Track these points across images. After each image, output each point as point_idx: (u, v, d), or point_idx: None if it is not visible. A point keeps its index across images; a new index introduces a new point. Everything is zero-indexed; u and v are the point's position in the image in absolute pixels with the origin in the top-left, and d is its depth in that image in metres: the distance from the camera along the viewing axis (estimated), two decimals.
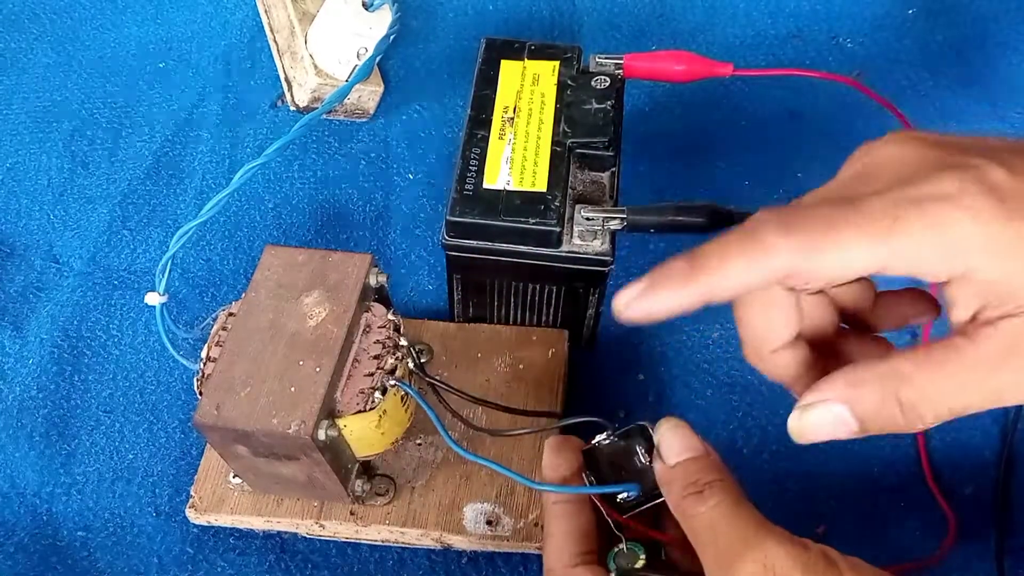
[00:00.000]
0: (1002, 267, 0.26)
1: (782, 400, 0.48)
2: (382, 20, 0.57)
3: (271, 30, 0.64)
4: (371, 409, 0.37)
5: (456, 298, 0.48)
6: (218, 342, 0.38)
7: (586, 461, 0.35)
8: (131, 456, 0.48)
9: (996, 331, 0.26)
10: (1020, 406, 0.46)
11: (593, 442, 0.36)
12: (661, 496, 0.34)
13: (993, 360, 0.26)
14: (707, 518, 0.30)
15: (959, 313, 0.27)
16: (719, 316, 0.51)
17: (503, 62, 0.48)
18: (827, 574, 0.28)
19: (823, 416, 0.29)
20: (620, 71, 0.47)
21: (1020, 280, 0.26)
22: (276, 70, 0.63)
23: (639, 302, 0.29)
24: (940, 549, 0.41)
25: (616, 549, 0.34)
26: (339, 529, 0.43)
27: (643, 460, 0.34)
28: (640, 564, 0.34)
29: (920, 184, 0.26)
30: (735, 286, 0.28)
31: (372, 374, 0.37)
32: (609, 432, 0.36)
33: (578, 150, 0.44)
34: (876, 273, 0.27)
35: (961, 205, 0.26)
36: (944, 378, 0.27)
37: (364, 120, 0.62)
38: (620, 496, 0.34)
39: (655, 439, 0.34)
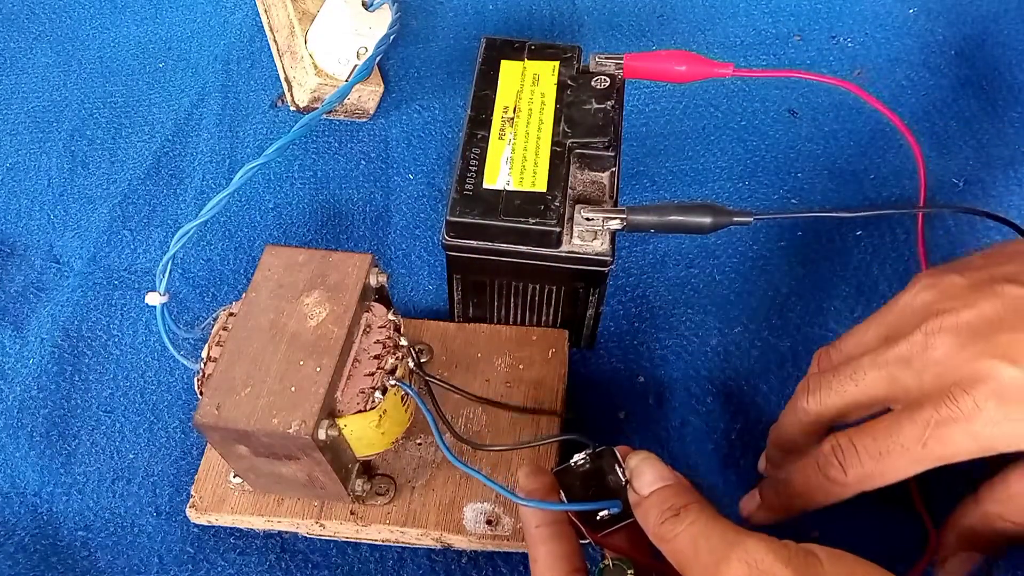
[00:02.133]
0: None
1: (779, 412, 0.48)
2: (382, 20, 0.57)
3: (271, 30, 0.64)
4: (371, 409, 0.37)
5: (456, 298, 0.48)
6: (219, 342, 0.38)
7: (560, 481, 0.35)
8: (131, 456, 0.48)
9: None
10: None
11: (570, 462, 0.36)
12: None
13: None
14: (687, 535, 0.31)
15: None
16: (718, 322, 0.51)
17: (503, 62, 0.48)
18: (808, 564, 0.29)
19: (957, 566, 0.39)
20: (620, 71, 0.47)
21: None
22: (276, 70, 0.63)
23: None
24: (921, 562, 0.41)
25: (602, 564, 0.34)
26: (339, 529, 0.43)
27: (620, 478, 0.35)
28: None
29: (945, 404, 0.33)
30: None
31: (372, 374, 0.37)
32: (587, 452, 0.36)
33: (578, 150, 0.44)
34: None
35: (983, 421, 0.32)
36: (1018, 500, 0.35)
37: (364, 120, 0.62)
38: (601, 513, 0.34)
39: (627, 472, 0.34)
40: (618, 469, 0.35)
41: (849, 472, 0.35)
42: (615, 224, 0.42)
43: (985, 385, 0.32)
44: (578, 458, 0.36)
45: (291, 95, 0.61)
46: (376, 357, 0.38)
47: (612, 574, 0.33)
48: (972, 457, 0.34)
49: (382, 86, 0.62)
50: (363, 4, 0.57)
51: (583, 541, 0.35)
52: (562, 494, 0.35)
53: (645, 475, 0.34)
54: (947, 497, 0.45)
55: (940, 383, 0.34)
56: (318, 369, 0.36)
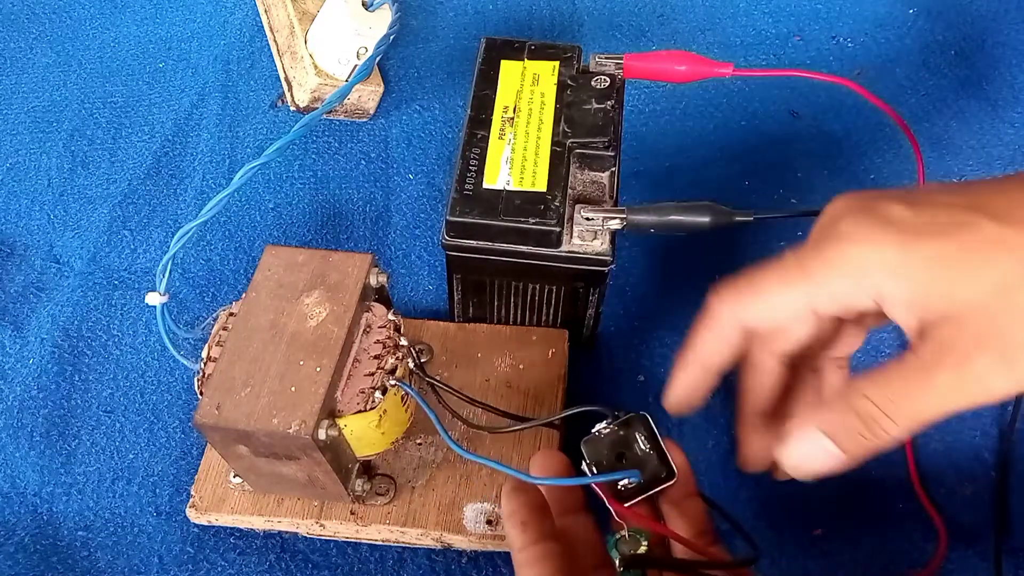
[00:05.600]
0: (908, 285, 0.30)
1: None
2: (382, 20, 0.57)
3: (271, 30, 0.64)
4: (371, 409, 0.37)
5: (456, 298, 0.48)
6: (219, 342, 0.38)
7: (587, 451, 0.35)
8: (131, 456, 0.48)
9: (929, 338, 0.29)
10: (1018, 406, 0.46)
11: (593, 431, 0.36)
12: (661, 484, 0.34)
13: (930, 363, 0.29)
14: None
15: (907, 330, 0.30)
16: None
17: (503, 62, 0.48)
18: None
19: (806, 446, 0.31)
20: (620, 71, 0.47)
21: (930, 291, 0.29)
22: (276, 70, 0.63)
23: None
24: (934, 559, 0.41)
25: (618, 535, 0.34)
26: (339, 529, 0.43)
27: (643, 448, 0.35)
28: (643, 550, 0.33)
29: (823, 231, 0.31)
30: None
31: (372, 374, 0.37)
32: (609, 421, 0.36)
33: (578, 150, 0.44)
34: (809, 312, 0.32)
35: (855, 240, 0.30)
36: (896, 387, 0.29)
37: (364, 120, 0.62)
38: (621, 483, 0.34)
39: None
40: (639, 437, 0.35)
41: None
42: (615, 224, 0.42)
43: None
44: (601, 427, 0.35)
45: (291, 95, 0.61)
46: (376, 357, 0.38)
47: (627, 544, 0.33)
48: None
49: (382, 86, 0.62)
50: (363, 4, 0.57)
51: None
52: (587, 465, 0.35)
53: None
54: (949, 495, 0.45)
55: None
56: (318, 369, 0.36)
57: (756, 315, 0.34)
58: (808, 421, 0.31)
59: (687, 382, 0.36)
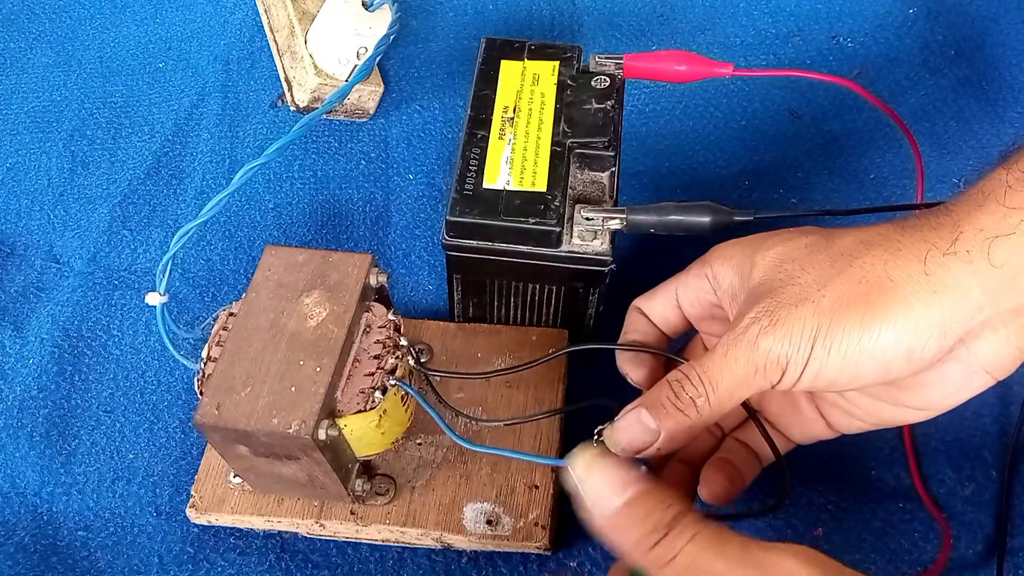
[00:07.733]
0: (731, 264, 0.36)
1: None
2: (382, 20, 0.57)
3: (271, 30, 0.64)
4: (371, 409, 0.37)
5: (456, 298, 0.48)
6: (219, 342, 0.38)
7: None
8: (131, 456, 0.48)
9: (734, 324, 0.32)
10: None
11: (596, 431, 0.35)
12: None
13: (731, 341, 0.32)
14: (684, 560, 0.27)
15: (732, 320, 0.34)
16: None
17: (503, 62, 0.48)
18: None
19: (628, 420, 0.33)
20: (620, 71, 0.47)
21: (746, 276, 0.34)
22: (276, 70, 0.63)
23: None
24: (938, 559, 0.41)
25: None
26: (339, 529, 0.43)
27: None
28: None
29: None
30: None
31: (372, 374, 0.37)
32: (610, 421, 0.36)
33: (578, 150, 0.44)
34: (675, 299, 0.40)
35: (714, 248, 0.38)
36: (705, 362, 0.32)
37: (364, 120, 0.62)
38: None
39: (571, 486, 0.30)
40: None
41: None
42: (615, 224, 0.42)
43: None
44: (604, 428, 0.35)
45: (291, 95, 0.61)
46: (376, 357, 0.38)
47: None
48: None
49: (382, 86, 0.62)
50: (363, 4, 0.57)
51: None
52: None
53: (600, 488, 0.29)
54: (949, 495, 0.45)
55: None
56: (318, 369, 0.36)
57: (646, 302, 0.40)
58: (638, 404, 0.33)
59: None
